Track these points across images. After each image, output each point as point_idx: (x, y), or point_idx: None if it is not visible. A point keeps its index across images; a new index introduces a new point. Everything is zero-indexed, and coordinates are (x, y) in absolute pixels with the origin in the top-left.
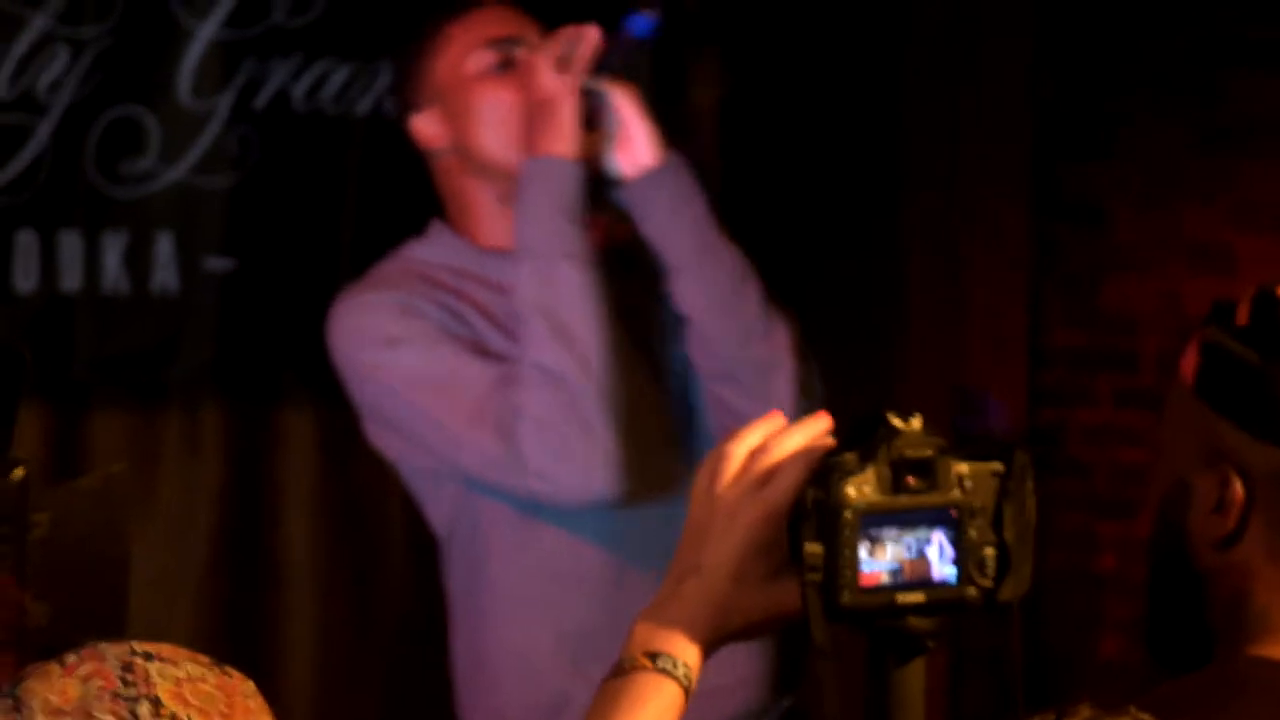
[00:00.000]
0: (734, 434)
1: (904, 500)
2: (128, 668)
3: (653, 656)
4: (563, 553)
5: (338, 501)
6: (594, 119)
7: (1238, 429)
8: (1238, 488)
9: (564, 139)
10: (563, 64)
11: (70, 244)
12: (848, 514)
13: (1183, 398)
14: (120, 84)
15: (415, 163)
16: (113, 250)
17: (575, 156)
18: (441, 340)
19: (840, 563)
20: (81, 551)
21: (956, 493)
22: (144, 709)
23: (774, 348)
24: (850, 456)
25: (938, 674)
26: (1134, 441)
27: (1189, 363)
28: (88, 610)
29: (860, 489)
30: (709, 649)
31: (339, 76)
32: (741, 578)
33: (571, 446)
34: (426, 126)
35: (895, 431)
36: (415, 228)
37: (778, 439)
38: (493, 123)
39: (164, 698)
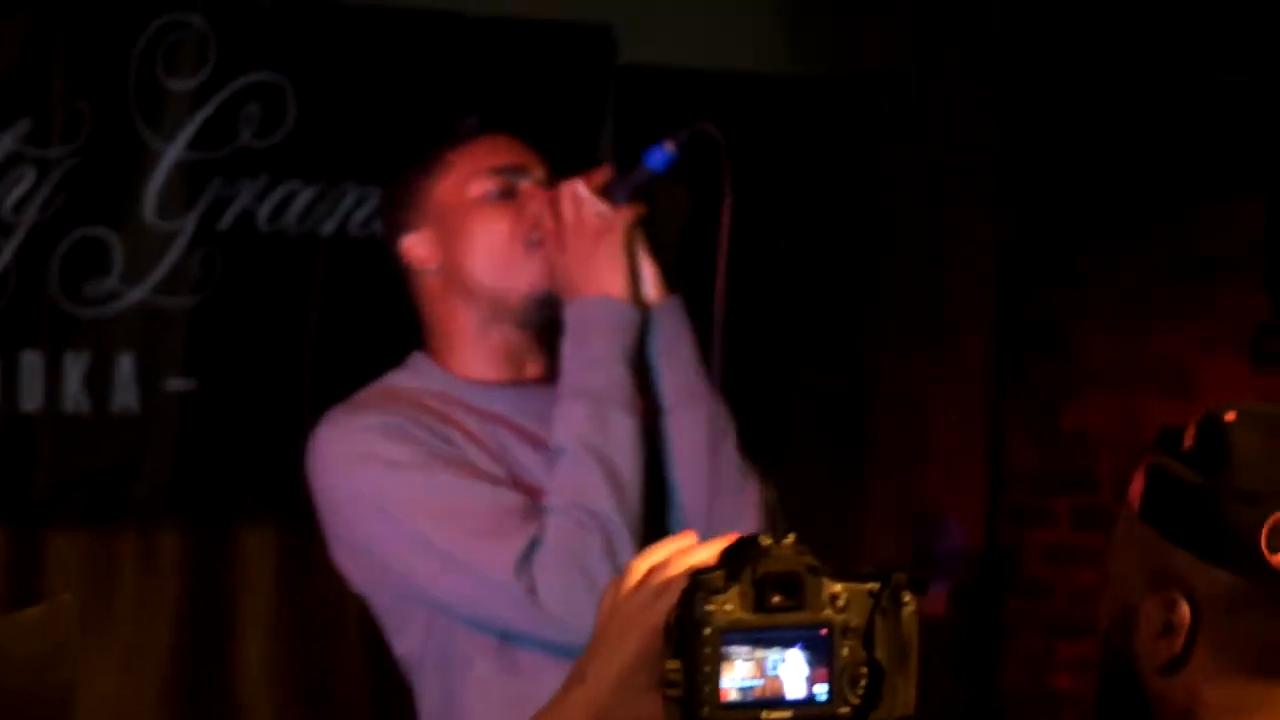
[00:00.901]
0: (643, 550)
1: (769, 618)
2: None
3: None
4: (543, 677)
5: (295, 623)
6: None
7: (1184, 552)
8: (1184, 611)
9: (621, 279)
10: (606, 197)
11: (32, 364)
12: (707, 631)
13: (1130, 522)
14: (86, 204)
15: (379, 284)
16: (74, 370)
17: (629, 298)
18: (437, 464)
19: (699, 679)
20: (26, 681)
21: (828, 611)
22: None
23: (741, 505)
24: (716, 574)
25: None
26: (1092, 561)
27: (1135, 488)
28: None
29: (722, 606)
30: None
31: (304, 197)
32: (624, 687)
33: (594, 593)
34: (418, 247)
35: (761, 550)
36: (378, 349)
37: (681, 555)
38: (487, 248)
39: None
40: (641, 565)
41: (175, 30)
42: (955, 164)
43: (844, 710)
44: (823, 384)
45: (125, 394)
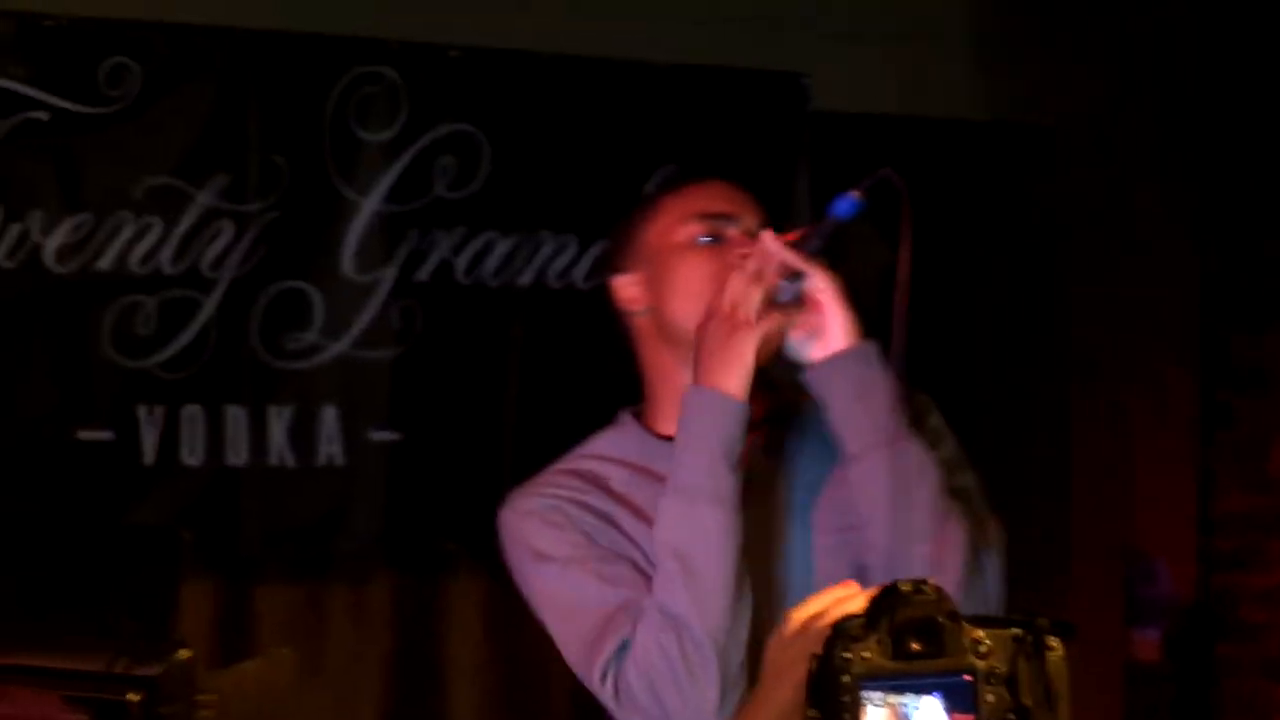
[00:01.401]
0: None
1: (908, 665)
2: None
3: None
4: None
5: (503, 671)
6: (786, 299)
7: None
8: None
9: (739, 378)
10: (754, 288)
11: (236, 418)
12: (845, 679)
13: None
14: (284, 258)
15: (578, 333)
16: (278, 423)
17: (743, 397)
18: (579, 556)
19: None
20: None
21: (970, 657)
22: None
23: (942, 549)
24: (855, 622)
25: None
26: None
27: None
28: None
29: (859, 654)
30: None
31: (501, 248)
32: None
33: (671, 692)
34: (627, 288)
35: (900, 597)
36: (577, 397)
37: (837, 605)
38: (689, 291)
39: None
40: (800, 615)
41: (367, 82)
42: (1155, 207)
43: None
44: (1027, 428)
45: (330, 446)
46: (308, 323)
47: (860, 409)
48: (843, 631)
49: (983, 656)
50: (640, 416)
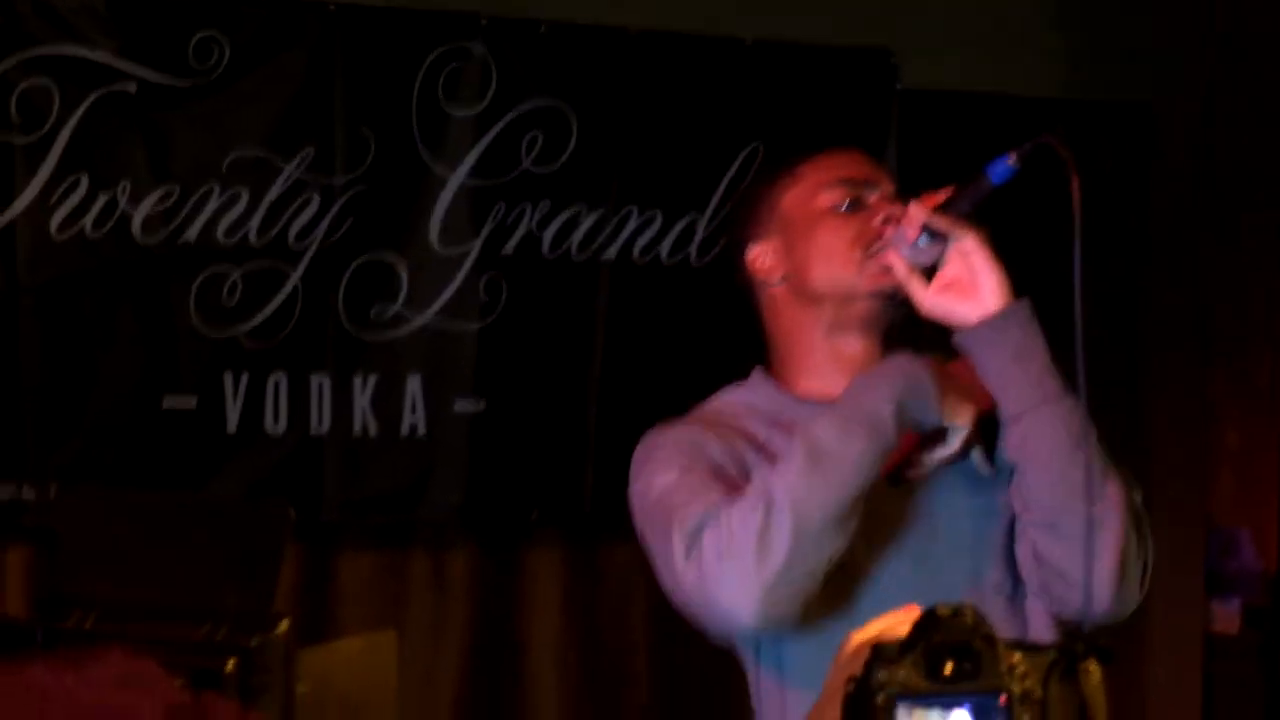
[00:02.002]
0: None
1: (943, 686)
2: None
3: None
4: None
5: (585, 639)
6: (937, 264)
7: None
8: None
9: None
10: (950, 210)
11: (320, 387)
12: (880, 698)
13: None
14: (371, 230)
15: (662, 308)
16: (362, 393)
17: (930, 378)
18: (697, 470)
19: None
20: (346, 711)
21: (1005, 679)
22: None
23: (1105, 507)
24: (891, 644)
25: None
26: None
27: None
28: None
29: (895, 675)
30: None
31: (587, 222)
32: None
33: (735, 561)
34: (763, 257)
35: (936, 620)
36: (659, 371)
37: (893, 629)
38: (831, 254)
39: None
40: (858, 636)
41: (456, 58)
42: (1243, 183)
43: None
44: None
45: (413, 416)
46: (393, 294)
47: (1018, 370)
48: (880, 654)
49: (1019, 679)
50: (774, 375)
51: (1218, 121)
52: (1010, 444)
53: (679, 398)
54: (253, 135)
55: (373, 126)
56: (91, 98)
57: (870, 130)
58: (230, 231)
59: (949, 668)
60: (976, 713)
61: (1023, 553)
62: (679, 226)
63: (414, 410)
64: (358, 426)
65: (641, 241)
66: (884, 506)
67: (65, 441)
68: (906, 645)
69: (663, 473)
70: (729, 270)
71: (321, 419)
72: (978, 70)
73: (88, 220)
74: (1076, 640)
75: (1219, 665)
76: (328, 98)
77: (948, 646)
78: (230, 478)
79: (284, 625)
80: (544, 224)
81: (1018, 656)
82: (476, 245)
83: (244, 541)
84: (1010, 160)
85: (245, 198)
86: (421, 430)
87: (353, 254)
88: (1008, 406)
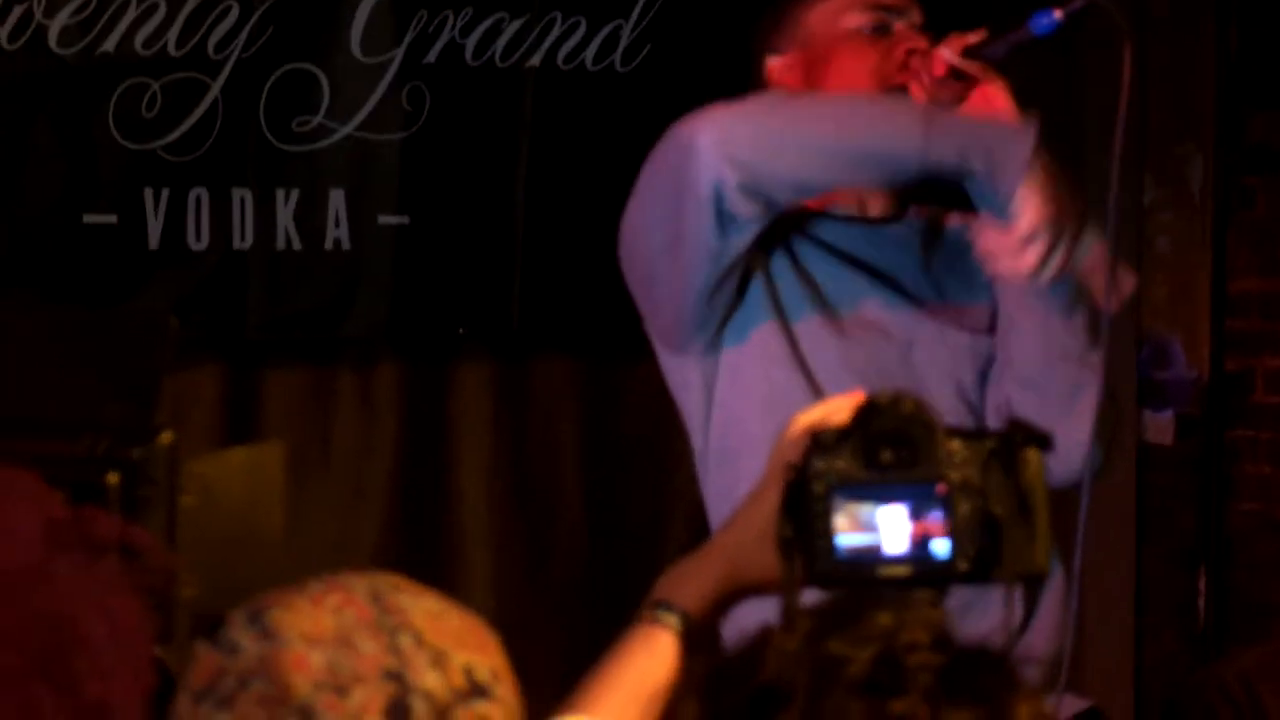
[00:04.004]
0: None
1: (881, 475)
2: (377, 598)
3: (654, 605)
4: None
5: (512, 456)
6: (956, 105)
7: None
8: None
9: None
10: (980, 54)
11: (242, 201)
12: (818, 488)
13: None
14: (291, 40)
15: (587, 117)
16: (285, 207)
17: None
18: None
19: (811, 535)
20: (233, 523)
21: (943, 468)
22: (405, 640)
23: (1089, 371)
24: (830, 432)
25: (1124, 630)
26: None
27: None
28: (241, 581)
29: (833, 464)
30: (721, 599)
31: (511, 29)
32: (763, 538)
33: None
34: (782, 71)
35: (875, 408)
36: (586, 182)
37: (834, 414)
38: (850, 81)
39: (423, 629)
40: (803, 420)
41: None
42: None
43: (963, 567)
44: None
45: (337, 230)
46: (315, 106)
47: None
48: (818, 441)
49: (957, 467)
50: None
51: None
52: (1000, 292)
53: (606, 209)
54: None
55: None
56: None
57: None
58: (148, 43)
59: (887, 456)
60: (914, 501)
61: (993, 400)
62: (604, 32)
63: (338, 225)
64: (280, 242)
65: (566, 48)
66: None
67: None
68: (845, 433)
69: None
70: (656, 77)
71: (244, 234)
72: None
73: (3, 32)
74: (1015, 428)
75: (1153, 476)
76: None
77: (886, 434)
78: (153, 295)
79: (167, 437)
80: (466, 31)
81: (956, 444)
82: (399, 54)
83: (124, 352)
84: (1057, 15)
85: (163, 7)
86: (346, 245)
87: (273, 65)
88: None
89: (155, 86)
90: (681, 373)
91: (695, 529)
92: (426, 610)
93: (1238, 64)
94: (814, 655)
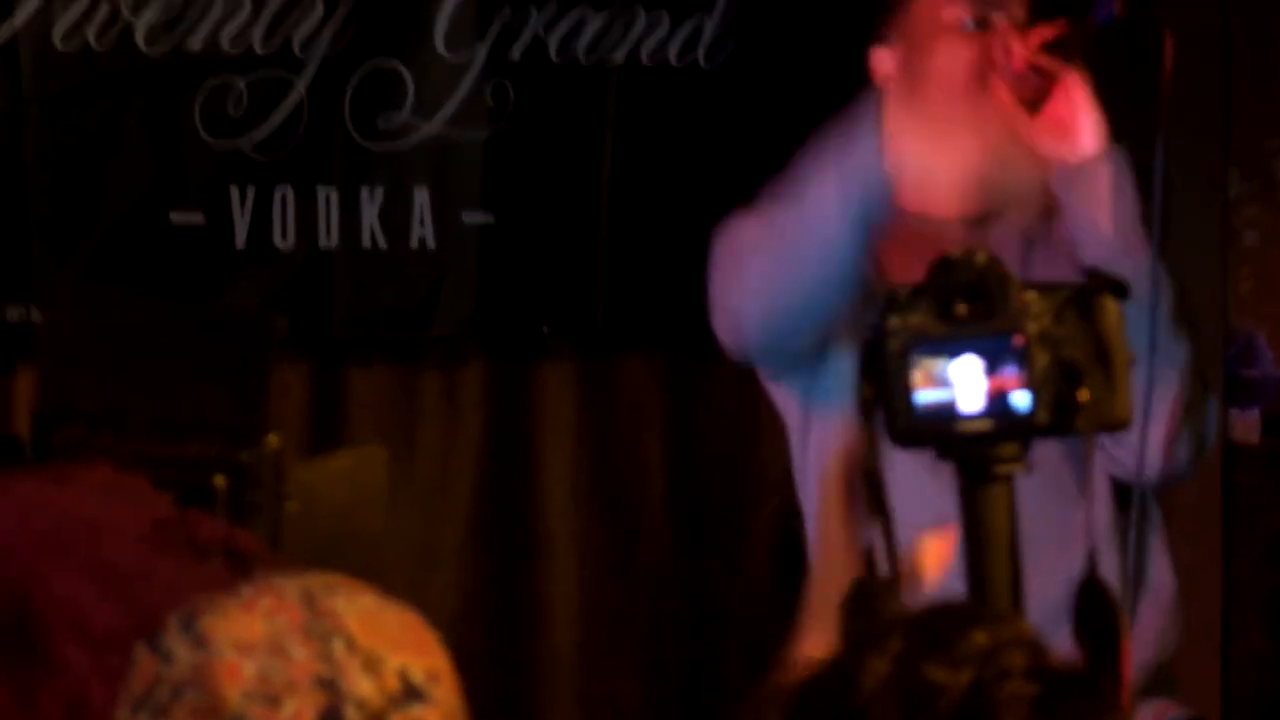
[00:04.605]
0: None
1: (957, 328)
2: (310, 601)
3: None
4: None
5: (598, 455)
6: (1038, 100)
7: None
8: None
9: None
10: (1059, 49)
11: (327, 199)
12: (893, 343)
13: None
14: (375, 37)
15: (672, 112)
16: (370, 206)
17: None
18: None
19: (892, 391)
20: (335, 527)
21: (1021, 319)
22: (338, 646)
23: (1164, 368)
24: (902, 290)
25: (1211, 630)
26: None
27: None
28: None
29: (907, 320)
30: None
31: (593, 25)
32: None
33: None
34: (882, 61)
35: (949, 262)
36: (671, 177)
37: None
38: (947, 83)
39: (356, 633)
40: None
41: None
42: None
43: (1044, 418)
44: None
45: (422, 229)
46: (399, 103)
47: (1103, 216)
48: (891, 299)
49: (1034, 318)
50: None
51: None
52: None
53: (690, 205)
54: None
55: None
56: None
57: None
58: (234, 41)
59: (962, 309)
60: (992, 354)
61: None
62: (687, 28)
63: (423, 223)
64: (366, 240)
65: (650, 44)
66: None
67: (72, 260)
68: (919, 290)
69: None
70: (740, 74)
71: (330, 233)
72: None
73: (90, 31)
74: (1092, 276)
75: (1240, 476)
76: None
77: (960, 287)
78: (241, 295)
79: (274, 441)
80: (549, 28)
81: (1032, 295)
82: (483, 51)
83: (233, 353)
84: (1115, 4)
85: (248, 4)
86: (431, 243)
87: (358, 62)
88: (1088, 251)
89: (241, 84)
90: (777, 391)
91: (781, 530)
92: (361, 611)
93: None
94: (907, 682)
